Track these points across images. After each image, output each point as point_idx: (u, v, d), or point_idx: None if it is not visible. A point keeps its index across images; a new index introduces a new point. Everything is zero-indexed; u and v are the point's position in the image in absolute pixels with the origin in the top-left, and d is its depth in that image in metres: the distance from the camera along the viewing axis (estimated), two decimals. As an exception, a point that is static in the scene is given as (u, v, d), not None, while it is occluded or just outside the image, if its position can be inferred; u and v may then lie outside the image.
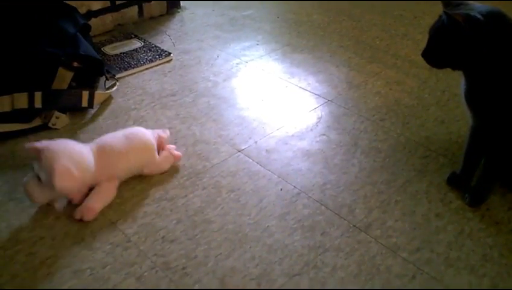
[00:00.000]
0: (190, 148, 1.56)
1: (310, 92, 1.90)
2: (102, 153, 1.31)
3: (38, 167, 1.22)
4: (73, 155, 1.23)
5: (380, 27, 2.47)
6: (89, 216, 1.26)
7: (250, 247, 1.21)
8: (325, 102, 1.83)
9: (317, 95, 1.88)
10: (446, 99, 1.84)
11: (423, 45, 1.22)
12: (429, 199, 1.39)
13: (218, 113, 1.74)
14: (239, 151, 1.55)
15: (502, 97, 1.18)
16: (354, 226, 1.29)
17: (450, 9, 1.15)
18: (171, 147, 1.48)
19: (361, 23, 2.51)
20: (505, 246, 1.24)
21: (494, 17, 1.12)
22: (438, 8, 1.20)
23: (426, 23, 2.45)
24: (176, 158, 1.46)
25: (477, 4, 1.15)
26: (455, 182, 1.44)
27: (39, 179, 1.22)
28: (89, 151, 1.29)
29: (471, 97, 1.24)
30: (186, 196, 1.37)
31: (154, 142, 1.41)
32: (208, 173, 1.45)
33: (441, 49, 1.16)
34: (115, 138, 1.37)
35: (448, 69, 1.22)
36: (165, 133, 1.48)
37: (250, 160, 1.51)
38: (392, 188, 1.42)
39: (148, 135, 1.41)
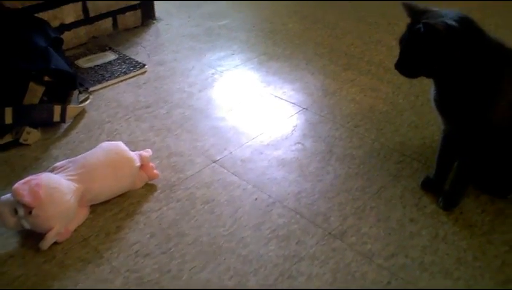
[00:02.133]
0: (164, 161, 1.54)
1: (286, 100, 1.90)
2: (86, 192, 1.28)
3: (23, 214, 1.17)
4: (64, 214, 1.21)
5: (355, 34, 2.49)
6: (62, 238, 1.24)
7: (224, 259, 1.20)
8: (301, 110, 1.84)
9: (293, 103, 1.88)
10: (420, 104, 1.86)
11: (397, 51, 1.22)
12: (404, 204, 1.40)
13: (193, 124, 1.73)
14: (214, 162, 1.54)
15: (472, 102, 1.19)
16: (329, 233, 1.29)
17: (419, 17, 1.15)
18: (151, 166, 1.45)
19: (336, 31, 2.52)
20: (479, 249, 1.25)
21: (466, 24, 1.13)
22: None
23: (400, 30, 2.48)
24: (154, 177, 1.44)
25: (443, 10, 1.17)
26: (429, 186, 1.45)
27: (16, 210, 1.18)
28: (74, 200, 1.24)
29: (442, 103, 1.25)
30: (160, 209, 1.36)
31: (138, 165, 1.39)
32: (182, 185, 1.44)
33: (416, 60, 1.16)
34: (98, 168, 1.31)
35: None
36: (147, 153, 1.45)
37: (225, 170, 1.51)
38: (367, 194, 1.43)
39: (134, 160, 1.37)
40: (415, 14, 1.16)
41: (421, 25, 1.10)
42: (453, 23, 1.10)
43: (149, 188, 1.43)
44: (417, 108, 1.84)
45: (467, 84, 1.17)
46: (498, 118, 1.20)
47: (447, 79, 1.18)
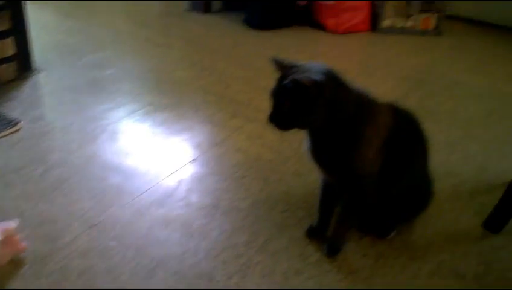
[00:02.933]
0: (35, 230, 1.43)
1: (172, 153, 1.87)
2: None
3: None
4: None
5: (242, 80, 2.53)
6: None
7: (101, 336, 1.12)
8: (187, 163, 1.81)
9: (179, 156, 1.85)
10: (301, 151, 1.89)
11: None
12: (289, 256, 1.40)
13: (70, 186, 1.63)
14: (92, 227, 1.46)
15: (341, 150, 1.23)
16: (214, 295, 1.25)
17: (287, 72, 1.18)
18: (16, 238, 1.33)
19: (224, 78, 2.55)
20: (360, 296, 1.28)
21: (331, 77, 1.18)
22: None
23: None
24: (20, 251, 1.32)
25: (310, 64, 1.21)
26: (313, 234, 1.47)
27: None
28: None
29: (316, 153, 1.28)
30: (28, 287, 1.24)
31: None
32: (55, 256, 1.34)
33: (287, 113, 1.18)
34: None
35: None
36: (12, 225, 1.32)
37: (104, 235, 1.43)
38: (252, 248, 1.42)
39: None
40: (284, 69, 1.19)
41: (288, 81, 1.13)
42: (319, 77, 1.14)
43: (15, 263, 1.31)
44: (301, 155, 1.86)
45: (335, 134, 1.21)
46: (366, 164, 1.25)
47: (318, 130, 1.22)
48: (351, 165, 1.24)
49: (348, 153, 1.23)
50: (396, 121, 1.28)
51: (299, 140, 1.96)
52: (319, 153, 1.28)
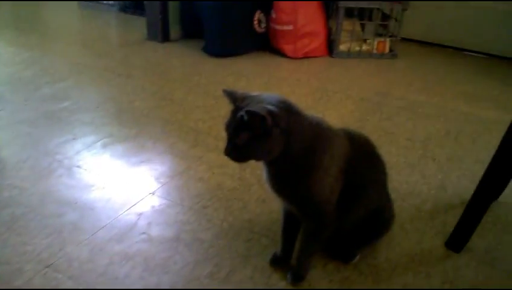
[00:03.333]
0: (-14, 273, 1.36)
1: (131, 186, 1.82)
2: None
3: None
4: None
5: (203, 109, 2.51)
6: None
7: None
8: (147, 195, 1.77)
9: (139, 188, 1.81)
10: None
11: None
12: (254, 285, 1.38)
13: (23, 226, 1.56)
14: (47, 267, 1.39)
15: (299, 179, 1.22)
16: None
17: (240, 103, 1.17)
18: None
19: (184, 107, 2.53)
20: (327, 324, 1.26)
21: (285, 107, 1.17)
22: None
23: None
24: None
25: (263, 95, 1.20)
26: (277, 262, 1.45)
27: None
28: None
29: (274, 183, 1.27)
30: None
31: None
32: (8, 301, 1.27)
33: (243, 145, 1.16)
34: None
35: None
36: None
37: (60, 275, 1.37)
38: (216, 280, 1.38)
39: None
40: (236, 101, 1.18)
41: (243, 113, 1.12)
42: (273, 107, 1.13)
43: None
44: (263, 181, 1.86)
45: (292, 163, 1.20)
46: (325, 192, 1.25)
47: (274, 161, 1.21)
48: (310, 194, 1.24)
49: (306, 183, 1.22)
50: (352, 147, 1.28)
51: (260, 167, 1.95)
52: (277, 183, 1.27)
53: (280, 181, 1.26)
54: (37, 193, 1.74)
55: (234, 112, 1.18)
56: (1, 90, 2.57)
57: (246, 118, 1.11)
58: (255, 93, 1.21)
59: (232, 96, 1.20)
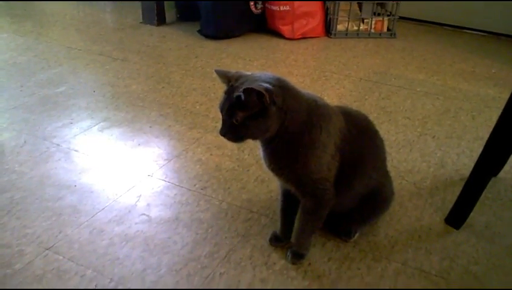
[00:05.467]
0: (-13, 256, 1.36)
1: (129, 168, 1.82)
2: None
3: None
4: None
5: (200, 91, 2.50)
6: None
7: None
8: (145, 177, 1.76)
9: (136, 171, 1.80)
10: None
11: None
12: (254, 265, 1.37)
13: (23, 209, 1.56)
14: (47, 249, 1.39)
15: (297, 157, 1.21)
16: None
17: (234, 83, 1.16)
18: None
19: (181, 89, 2.51)
20: (328, 300, 1.26)
21: (281, 84, 1.16)
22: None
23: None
24: None
25: (257, 74, 1.19)
26: (276, 241, 1.45)
27: None
28: None
29: (271, 162, 1.26)
30: (-20, 316, 1.18)
31: None
32: (9, 283, 1.27)
33: (240, 125, 1.15)
34: None
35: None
36: None
37: (61, 257, 1.37)
38: (216, 260, 1.38)
39: None
40: (230, 80, 1.17)
41: (241, 92, 1.10)
42: (269, 85, 1.12)
43: (-33, 292, 1.24)
44: (260, 161, 1.86)
45: (289, 142, 1.19)
46: (322, 169, 1.24)
47: (271, 139, 1.20)
48: (307, 171, 1.23)
49: (303, 160, 1.21)
50: (349, 124, 1.27)
51: (258, 146, 1.95)
52: (274, 161, 1.26)
53: (277, 160, 1.25)
54: (35, 177, 1.73)
55: (228, 92, 1.16)
56: (-4, 76, 2.55)
57: (243, 96, 1.10)
58: (248, 72, 1.20)
59: (225, 76, 1.18)
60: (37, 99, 2.34)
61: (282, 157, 1.23)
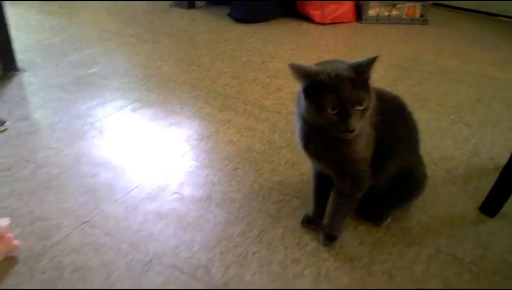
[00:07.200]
0: (27, 228, 1.39)
1: (161, 148, 1.84)
2: None
3: None
4: None
5: (230, 74, 2.50)
6: None
7: (98, 333, 1.09)
8: (177, 157, 1.78)
9: (169, 151, 1.82)
10: (294, 141, 1.87)
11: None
12: (285, 245, 1.38)
13: (60, 184, 1.59)
14: (84, 223, 1.43)
15: (336, 140, 1.19)
16: (210, 288, 1.22)
17: (320, 72, 1.10)
18: (9, 236, 1.30)
19: (211, 72, 2.52)
20: (360, 282, 1.27)
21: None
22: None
23: (274, 67, 2.56)
24: (14, 249, 1.29)
25: (323, 62, 1.18)
26: (308, 223, 1.46)
27: None
28: None
29: (309, 144, 1.25)
30: (23, 284, 1.21)
31: None
32: (48, 254, 1.31)
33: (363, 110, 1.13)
34: None
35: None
36: (4, 223, 1.29)
37: (97, 231, 1.40)
38: (248, 239, 1.40)
39: None
40: (309, 74, 1.10)
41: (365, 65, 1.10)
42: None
43: (9, 261, 1.28)
44: (293, 144, 1.86)
45: None
46: (359, 151, 1.23)
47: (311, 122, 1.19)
48: (348, 152, 1.22)
49: (341, 142, 1.20)
50: (383, 104, 1.26)
51: (290, 129, 1.96)
52: (312, 143, 1.25)
53: (314, 141, 1.24)
54: (71, 154, 1.76)
55: (341, 78, 1.09)
56: (32, 56, 2.59)
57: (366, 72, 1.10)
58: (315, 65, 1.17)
59: (300, 70, 1.11)
60: (71, 79, 2.37)
61: (320, 139, 1.21)
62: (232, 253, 1.34)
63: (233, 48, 2.87)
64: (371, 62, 1.10)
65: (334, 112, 1.09)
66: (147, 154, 1.80)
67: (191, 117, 2.07)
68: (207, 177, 1.67)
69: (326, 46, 2.99)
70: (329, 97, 1.08)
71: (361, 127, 1.15)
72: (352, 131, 1.10)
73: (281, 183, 1.65)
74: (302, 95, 1.14)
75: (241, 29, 3.22)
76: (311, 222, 1.46)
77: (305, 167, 1.72)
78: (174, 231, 1.42)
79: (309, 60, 1.19)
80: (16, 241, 1.30)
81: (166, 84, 2.37)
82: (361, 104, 1.10)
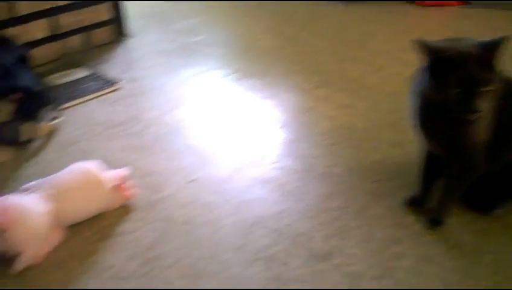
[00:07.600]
0: (140, 180, 1.49)
1: (262, 118, 1.88)
2: (59, 213, 1.23)
3: None
4: (37, 236, 1.17)
5: (328, 52, 2.49)
6: (35, 262, 1.17)
7: (206, 283, 1.15)
8: (277, 128, 1.81)
9: (269, 121, 1.85)
10: (399, 120, 1.84)
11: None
12: (386, 224, 1.37)
13: (168, 143, 1.68)
14: (191, 181, 1.50)
15: (456, 121, 1.16)
16: (313, 255, 1.25)
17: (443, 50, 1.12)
18: (127, 185, 1.40)
19: (310, 48, 2.52)
20: (465, 271, 1.22)
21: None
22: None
23: (374, 47, 2.51)
24: (130, 197, 1.39)
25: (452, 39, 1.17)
26: (414, 204, 1.42)
27: None
28: (47, 221, 1.19)
29: (427, 124, 1.23)
30: (136, 230, 1.30)
31: (111, 186, 1.33)
32: (159, 205, 1.39)
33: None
34: (70, 189, 1.27)
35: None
36: (124, 172, 1.39)
37: (203, 190, 1.46)
38: (348, 214, 1.40)
39: (105, 181, 1.32)
40: (434, 51, 1.12)
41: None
42: None
43: (125, 208, 1.37)
44: (396, 124, 1.82)
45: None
46: (478, 134, 1.19)
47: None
48: (468, 135, 1.18)
49: (461, 123, 1.16)
50: (506, 88, 1.20)
51: (393, 109, 1.91)
52: (430, 122, 1.22)
53: (432, 122, 1.21)
54: (176, 116, 1.85)
55: (467, 56, 1.09)
56: (141, 24, 2.72)
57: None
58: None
59: (427, 47, 1.13)
60: (176, 46, 2.47)
61: (439, 120, 1.19)
62: (331, 226, 1.35)
63: (332, 26, 2.84)
64: (501, 42, 1.05)
65: (458, 91, 1.06)
66: (248, 122, 1.84)
67: (289, 91, 2.09)
68: (305, 150, 1.69)
69: (431, 28, 2.88)
70: (455, 75, 1.05)
71: (485, 110, 1.11)
72: (475, 112, 1.06)
73: (381, 163, 1.63)
74: (425, 72, 1.12)
75: (339, 7, 3.18)
76: (415, 204, 1.43)
77: (408, 148, 1.68)
78: (276, 197, 1.45)
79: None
80: (132, 191, 1.39)
81: (265, 57, 2.41)
82: (487, 85, 1.06)
